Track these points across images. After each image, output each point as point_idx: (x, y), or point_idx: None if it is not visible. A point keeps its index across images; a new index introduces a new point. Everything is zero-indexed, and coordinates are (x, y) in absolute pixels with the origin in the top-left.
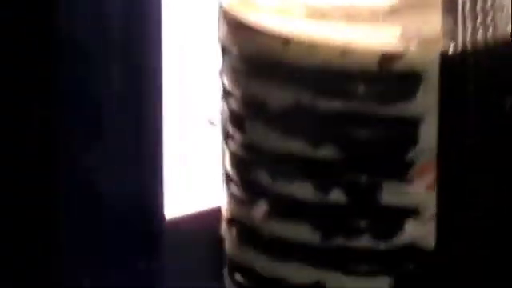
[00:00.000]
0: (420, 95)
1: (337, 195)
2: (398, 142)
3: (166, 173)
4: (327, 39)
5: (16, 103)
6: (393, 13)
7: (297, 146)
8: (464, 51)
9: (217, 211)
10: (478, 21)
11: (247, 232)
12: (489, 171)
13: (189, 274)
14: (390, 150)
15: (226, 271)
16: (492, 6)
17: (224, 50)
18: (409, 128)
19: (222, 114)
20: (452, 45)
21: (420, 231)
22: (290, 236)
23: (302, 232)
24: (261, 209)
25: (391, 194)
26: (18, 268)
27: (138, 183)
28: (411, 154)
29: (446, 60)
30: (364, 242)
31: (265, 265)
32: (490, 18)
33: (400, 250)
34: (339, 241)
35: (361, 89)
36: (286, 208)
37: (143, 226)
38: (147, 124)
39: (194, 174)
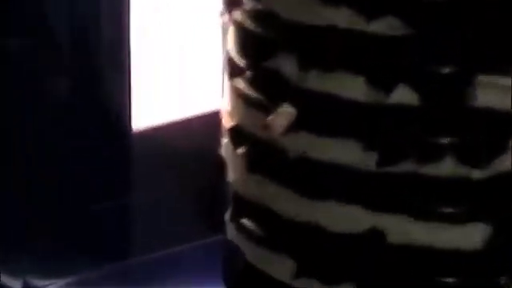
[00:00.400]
0: None
1: (402, 94)
2: None
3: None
4: None
5: None
6: None
7: (342, 16)
8: None
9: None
10: None
11: (263, 152)
12: None
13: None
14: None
15: (228, 214)
16: None
17: None
18: None
19: None
20: None
21: None
22: (330, 159)
23: (349, 153)
24: (285, 115)
25: (488, 93)
26: None
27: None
28: None
29: None
30: (446, 168)
31: (290, 204)
32: None
33: (502, 182)
34: (406, 166)
35: None
36: (322, 115)
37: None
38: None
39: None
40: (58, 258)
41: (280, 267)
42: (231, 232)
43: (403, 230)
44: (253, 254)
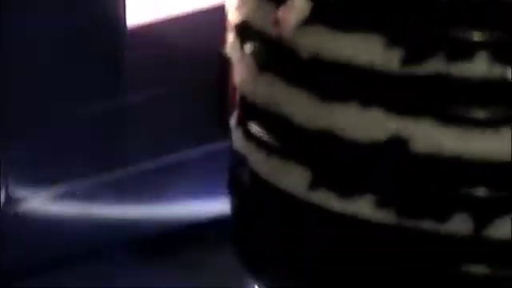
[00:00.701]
0: None
1: None
2: None
3: None
4: None
5: None
6: None
7: None
8: None
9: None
10: None
11: (274, 50)
12: None
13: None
14: None
15: (234, 119)
16: None
17: None
18: None
19: None
20: None
21: None
22: (348, 57)
23: (369, 50)
24: (298, 7)
25: None
26: None
27: None
28: None
29: None
30: (478, 66)
31: (303, 108)
32: None
33: None
34: (433, 65)
35: None
36: (340, 6)
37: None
38: None
39: None
40: (44, 167)
41: (293, 179)
42: (238, 140)
43: (429, 136)
44: (262, 164)
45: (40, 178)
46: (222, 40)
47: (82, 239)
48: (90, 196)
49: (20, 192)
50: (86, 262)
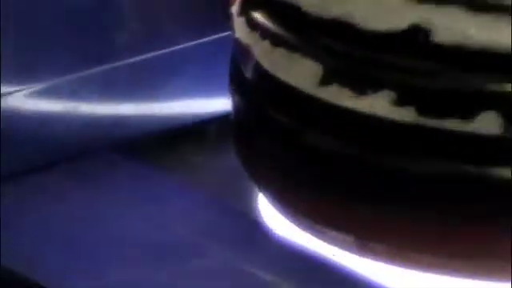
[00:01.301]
0: None
1: None
2: None
3: None
4: None
5: None
6: None
7: None
8: None
9: None
10: None
11: None
12: None
13: None
14: None
15: (236, 6)
16: None
17: None
18: None
19: None
20: None
21: None
22: None
23: None
24: None
25: None
26: None
27: None
28: None
29: None
30: None
31: None
32: None
33: None
34: None
35: None
36: None
37: None
38: None
39: None
40: (28, 62)
41: (301, 73)
42: (241, 30)
43: (453, 25)
44: (267, 56)
45: (24, 74)
46: None
47: (68, 138)
48: (75, 92)
49: (3, 88)
50: (72, 162)
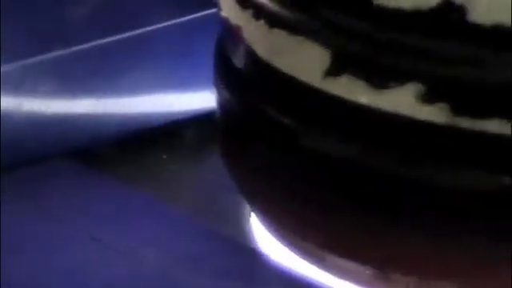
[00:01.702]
0: None
1: None
2: None
3: None
4: None
5: None
6: None
7: None
8: None
9: None
10: None
11: None
12: None
13: None
14: None
15: None
16: None
17: None
18: None
19: None
20: None
21: None
22: None
23: None
24: None
25: None
26: None
27: None
28: None
29: None
30: None
31: None
32: None
33: None
34: None
35: None
36: None
37: None
38: None
39: None
40: None
41: (305, 61)
42: (229, 8)
43: (493, 2)
44: (263, 40)
45: None
46: None
47: (9, 140)
48: (20, 86)
49: None
50: (12, 171)
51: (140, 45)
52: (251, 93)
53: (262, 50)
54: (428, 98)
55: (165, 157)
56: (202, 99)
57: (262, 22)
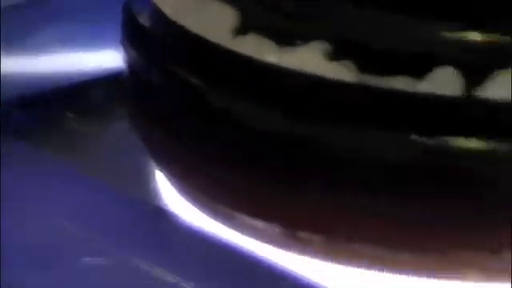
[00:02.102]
0: None
1: None
2: None
3: None
4: None
5: None
6: None
7: None
8: None
9: None
10: None
11: None
12: None
13: None
14: None
15: None
16: None
17: None
18: None
19: None
20: None
21: None
22: None
23: None
24: None
25: None
26: None
27: None
28: None
29: None
30: None
31: None
32: None
33: None
34: None
35: None
36: None
37: None
38: None
39: None
40: None
41: (213, 20)
42: None
43: None
44: (172, 1)
45: None
46: None
47: None
48: None
49: None
50: None
51: (44, 2)
52: (159, 53)
53: (169, 10)
54: (335, 55)
55: (71, 116)
56: (110, 59)
57: None
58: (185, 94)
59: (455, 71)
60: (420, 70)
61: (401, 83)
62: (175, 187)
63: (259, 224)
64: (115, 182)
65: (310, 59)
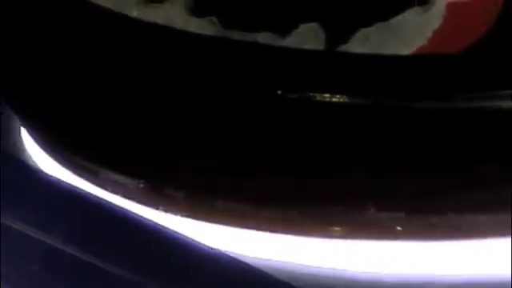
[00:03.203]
0: None
1: None
2: None
3: None
4: None
5: None
6: None
7: None
8: None
9: None
10: None
11: None
12: None
13: None
14: None
15: None
16: None
17: None
18: None
19: None
20: None
21: None
22: None
23: None
24: None
25: None
26: None
27: None
28: None
29: None
30: None
31: None
32: None
33: None
34: None
35: None
36: None
37: None
38: None
39: None
40: None
41: None
42: None
43: None
44: None
45: None
46: None
47: None
48: None
49: None
50: None
51: None
52: (16, 12)
53: None
54: (197, 10)
55: None
56: None
57: None
58: (43, 49)
59: (319, 27)
60: (285, 26)
61: (265, 38)
62: (38, 143)
63: (123, 179)
64: None
65: (174, 14)
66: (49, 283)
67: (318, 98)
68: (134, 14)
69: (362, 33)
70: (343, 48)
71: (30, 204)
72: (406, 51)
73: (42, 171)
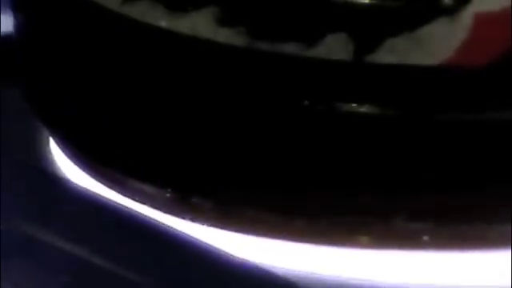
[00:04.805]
0: None
1: None
2: None
3: None
4: None
5: None
6: None
7: None
8: None
9: None
10: None
11: None
12: None
13: None
14: None
15: None
16: None
17: None
18: None
19: None
20: None
21: None
22: None
23: None
24: None
25: None
26: None
27: None
28: None
29: None
30: None
31: None
32: None
33: None
34: None
35: None
36: None
37: None
38: None
39: None
40: None
41: None
42: None
43: None
44: None
45: None
46: None
47: None
48: None
49: None
50: None
51: None
52: (49, 17)
53: None
54: (226, 21)
55: None
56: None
57: None
58: (73, 59)
59: (347, 37)
60: (313, 36)
61: (292, 48)
62: (65, 153)
63: (150, 189)
64: (7, 149)
65: (201, 24)
66: None
67: (345, 109)
68: (163, 24)
69: (389, 43)
70: (370, 58)
71: (58, 215)
72: (432, 62)
73: (70, 181)
